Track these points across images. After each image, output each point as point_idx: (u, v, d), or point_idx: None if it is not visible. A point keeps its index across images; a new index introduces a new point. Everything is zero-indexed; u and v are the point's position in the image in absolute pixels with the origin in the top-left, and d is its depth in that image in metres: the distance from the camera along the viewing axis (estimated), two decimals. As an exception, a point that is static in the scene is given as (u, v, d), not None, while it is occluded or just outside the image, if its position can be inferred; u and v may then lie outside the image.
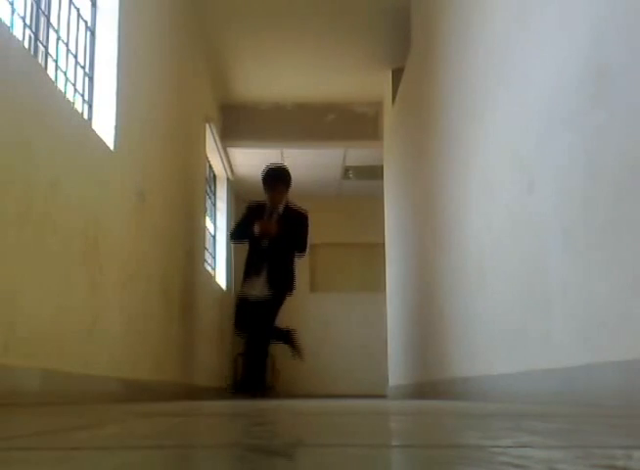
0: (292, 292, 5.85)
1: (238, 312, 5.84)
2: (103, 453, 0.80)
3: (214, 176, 8.80)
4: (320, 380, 9.89)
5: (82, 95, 3.77)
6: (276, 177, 5.75)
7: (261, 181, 5.79)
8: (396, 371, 7.06)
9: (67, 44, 3.60)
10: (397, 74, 6.93)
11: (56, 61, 3.47)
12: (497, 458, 0.71)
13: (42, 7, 3.34)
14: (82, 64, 3.79)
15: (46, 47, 3.35)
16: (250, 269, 5.73)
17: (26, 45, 3.11)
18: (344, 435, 1.11)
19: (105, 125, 3.81)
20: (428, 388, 4.99)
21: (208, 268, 7.73)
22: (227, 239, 6.61)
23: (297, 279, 5.99)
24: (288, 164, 8.98)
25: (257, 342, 5.66)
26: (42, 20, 3.34)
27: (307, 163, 8.89)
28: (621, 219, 2.09)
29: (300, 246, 5.83)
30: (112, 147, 3.79)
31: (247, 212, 5.92)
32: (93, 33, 3.92)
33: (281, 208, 5.76)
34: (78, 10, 3.75)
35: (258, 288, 5.63)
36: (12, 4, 3.01)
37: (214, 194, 8.77)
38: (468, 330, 3.91)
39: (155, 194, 4.75)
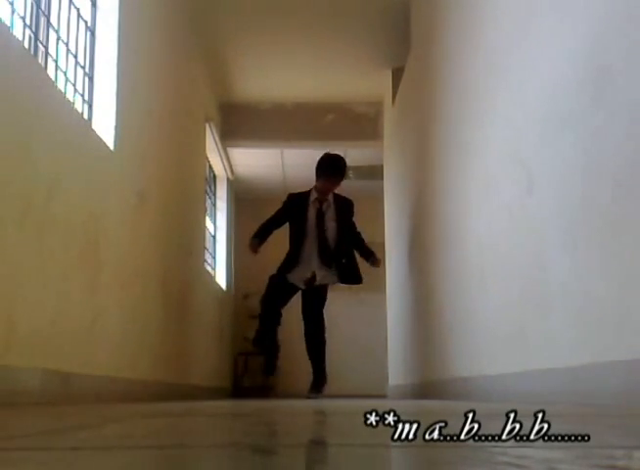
0: (359, 282, 5.51)
1: (275, 293, 5.34)
2: (103, 453, 0.80)
3: (214, 176, 8.80)
4: (320, 380, 9.87)
5: (82, 95, 3.77)
6: (336, 167, 5.34)
7: (317, 168, 5.36)
8: (396, 371, 7.06)
9: (67, 44, 3.60)
10: (397, 74, 6.92)
11: (56, 61, 3.47)
12: (497, 458, 0.71)
13: (42, 7, 3.34)
14: (82, 64, 3.79)
15: (46, 47, 3.35)
16: (300, 255, 5.31)
17: (26, 45, 3.11)
18: (345, 434, 1.11)
19: (105, 125, 3.81)
20: (428, 388, 4.99)
21: (208, 268, 7.73)
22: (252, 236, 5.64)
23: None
24: (288, 164, 9.02)
25: (314, 327, 5.31)
26: (42, 20, 3.34)
27: (307, 163, 8.88)
28: (621, 219, 2.09)
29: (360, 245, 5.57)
30: (111, 147, 3.79)
31: (284, 205, 5.52)
32: (93, 33, 3.92)
33: (330, 197, 5.48)
34: (78, 10, 3.75)
35: (318, 275, 5.33)
36: (12, 4, 3.01)
37: (214, 194, 8.77)
38: (468, 330, 3.91)
39: (154, 194, 4.75)
